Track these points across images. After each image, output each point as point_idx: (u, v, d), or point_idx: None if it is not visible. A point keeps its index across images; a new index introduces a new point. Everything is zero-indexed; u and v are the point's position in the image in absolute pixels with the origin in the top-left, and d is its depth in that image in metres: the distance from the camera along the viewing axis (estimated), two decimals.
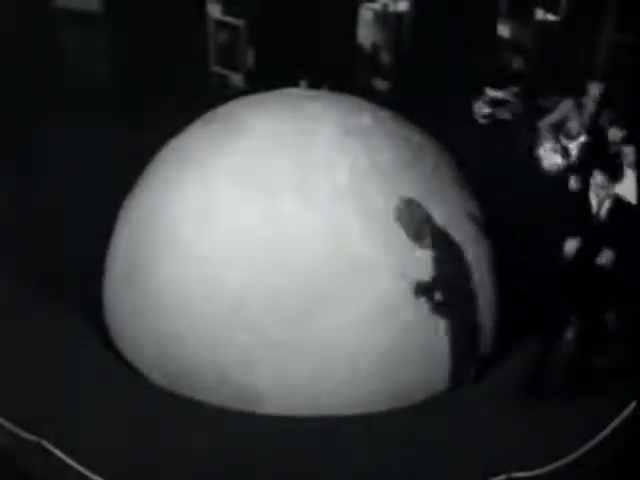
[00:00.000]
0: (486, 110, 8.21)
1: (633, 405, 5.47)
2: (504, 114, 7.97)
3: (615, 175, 6.23)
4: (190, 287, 5.90)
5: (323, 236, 5.77)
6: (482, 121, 8.29)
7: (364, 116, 6.36)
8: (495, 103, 8.12)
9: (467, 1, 11.27)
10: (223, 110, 6.71)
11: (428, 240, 5.80)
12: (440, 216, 6.05)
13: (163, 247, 6.08)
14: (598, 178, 6.11)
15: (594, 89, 7.54)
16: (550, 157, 7.53)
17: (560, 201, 6.75)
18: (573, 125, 7.43)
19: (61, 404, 5.87)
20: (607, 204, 6.18)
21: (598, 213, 6.21)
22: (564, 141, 7.44)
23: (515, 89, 8.00)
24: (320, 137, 6.08)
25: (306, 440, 5.58)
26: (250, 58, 12.05)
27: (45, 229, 7.92)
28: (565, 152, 7.35)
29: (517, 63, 8.57)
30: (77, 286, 7.06)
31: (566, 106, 7.56)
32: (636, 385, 5.89)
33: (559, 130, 7.49)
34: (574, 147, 7.34)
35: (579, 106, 7.50)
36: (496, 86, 8.11)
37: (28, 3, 11.87)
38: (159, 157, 6.70)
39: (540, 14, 11.45)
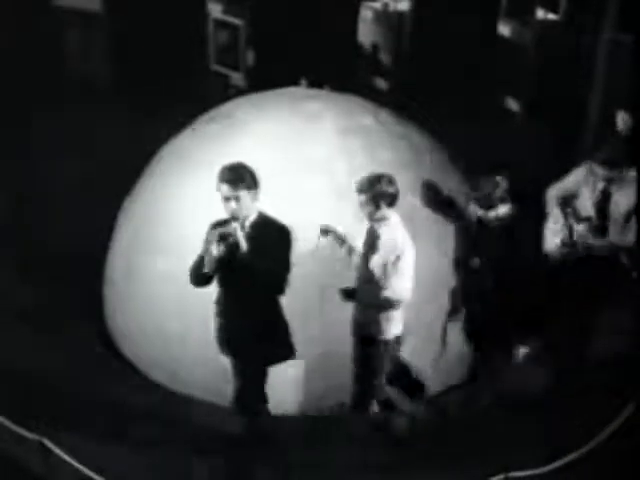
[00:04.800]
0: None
1: (633, 405, 5.46)
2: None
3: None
4: (190, 286, 5.89)
5: (323, 236, 5.75)
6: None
7: (364, 116, 6.36)
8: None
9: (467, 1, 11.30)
10: (223, 110, 6.71)
11: None
12: None
13: (163, 247, 6.08)
14: None
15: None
16: (552, 237, 6.15)
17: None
18: (584, 202, 5.97)
19: (61, 404, 5.88)
20: None
21: None
22: (570, 220, 5.99)
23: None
24: (320, 136, 6.08)
25: (308, 439, 5.58)
26: (250, 57, 12.07)
27: (45, 228, 7.94)
28: (570, 232, 5.97)
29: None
30: (77, 286, 7.07)
31: (579, 174, 6.06)
32: (636, 385, 5.89)
33: (568, 205, 6.05)
34: (581, 229, 5.96)
35: (593, 174, 5.89)
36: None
37: (28, 3, 11.88)
38: (159, 157, 6.70)
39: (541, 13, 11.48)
